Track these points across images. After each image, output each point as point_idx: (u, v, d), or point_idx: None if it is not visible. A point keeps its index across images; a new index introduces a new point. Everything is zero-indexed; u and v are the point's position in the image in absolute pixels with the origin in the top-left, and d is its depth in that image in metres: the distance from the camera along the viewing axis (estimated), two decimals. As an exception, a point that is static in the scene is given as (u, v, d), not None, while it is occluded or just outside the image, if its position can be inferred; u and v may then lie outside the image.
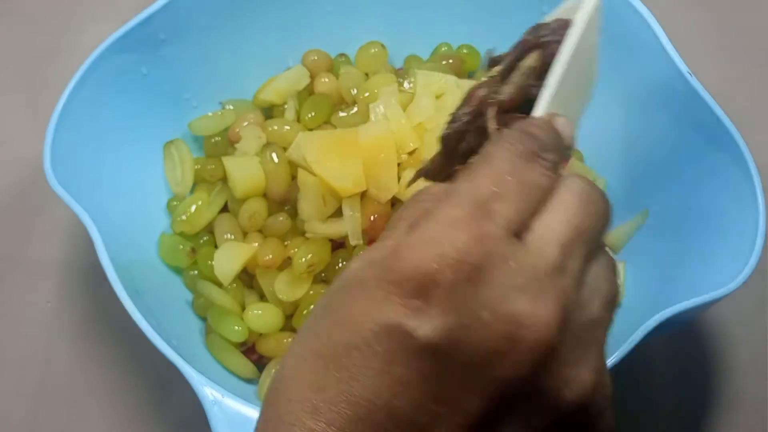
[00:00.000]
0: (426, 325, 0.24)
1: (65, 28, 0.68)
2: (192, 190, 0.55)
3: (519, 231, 0.26)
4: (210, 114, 0.56)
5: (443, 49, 0.58)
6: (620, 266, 0.51)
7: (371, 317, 0.24)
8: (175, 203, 0.54)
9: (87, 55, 0.49)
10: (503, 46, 0.56)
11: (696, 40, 0.63)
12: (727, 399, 0.53)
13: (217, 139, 0.56)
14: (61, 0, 0.69)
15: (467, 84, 0.52)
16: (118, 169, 0.52)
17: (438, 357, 0.24)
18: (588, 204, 0.27)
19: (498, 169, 0.27)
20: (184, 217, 0.52)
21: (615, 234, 0.52)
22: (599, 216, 0.28)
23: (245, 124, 0.55)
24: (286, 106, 0.56)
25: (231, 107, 0.57)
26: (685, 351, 0.54)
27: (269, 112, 0.58)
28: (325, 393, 0.24)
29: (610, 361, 0.40)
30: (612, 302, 0.28)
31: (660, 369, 0.53)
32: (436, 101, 0.52)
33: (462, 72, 0.56)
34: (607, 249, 0.29)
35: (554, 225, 0.26)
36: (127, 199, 0.52)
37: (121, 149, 0.52)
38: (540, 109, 0.31)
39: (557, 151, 0.29)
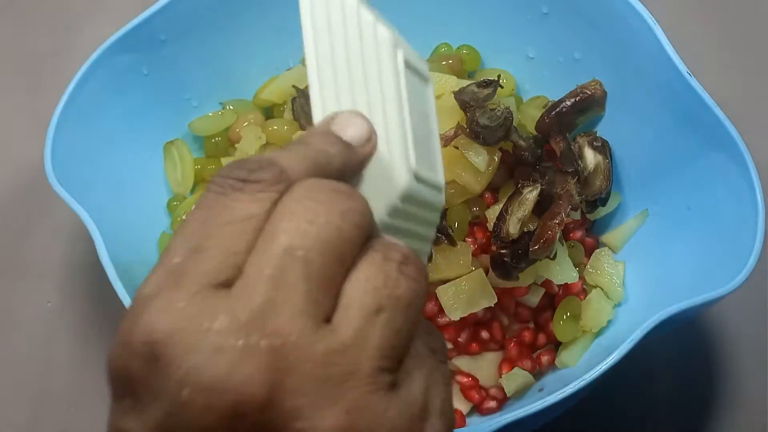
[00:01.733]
0: (137, 424, 0.21)
1: (66, 29, 0.68)
2: (192, 190, 0.55)
3: (229, 280, 0.22)
4: (210, 114, 0.56)
5: (443, 49, 0.58)
6: (620, 266, 0.51)
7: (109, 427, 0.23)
8: (175, 203, 0.54)
9: (88, 55, 0.49)
10: (503, 46, 0.57)
11: (696, 41, 0.63)
12: (727, 399, 0.53)
13: (217, 139, 0.56)
14: (62, 0, 0.69)
15: (467, 84, 0.52)
16: (119, 169, 0.52)
17: None
18: (306, 212, 0.23)
19: (192, 221, 0.23)
20: (184, 217, 0.52)
21: (615, 234, 0.52)
22: (325, 216, 0.23)
23: (245, 124, 0.55)
24: (286, 106, 0.56)
25: (231, 107, 0.57)
26: (685, 351, 0.54)
27: (269, 112, 0.58)
28: None
29: (611, 359, 0.40)
30: (377, 311, 0.23)
31: (660, 369, 0.53)
32: (436, 101, 0.52)
33: (462, 72, 0.56)
34: (375, 249, 0.23)
35: (265, 254, 0.22)
36: (128, 199, 0.52)
37: (122, 149, 0.52)
38: (315, 116, 0.27)
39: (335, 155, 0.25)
